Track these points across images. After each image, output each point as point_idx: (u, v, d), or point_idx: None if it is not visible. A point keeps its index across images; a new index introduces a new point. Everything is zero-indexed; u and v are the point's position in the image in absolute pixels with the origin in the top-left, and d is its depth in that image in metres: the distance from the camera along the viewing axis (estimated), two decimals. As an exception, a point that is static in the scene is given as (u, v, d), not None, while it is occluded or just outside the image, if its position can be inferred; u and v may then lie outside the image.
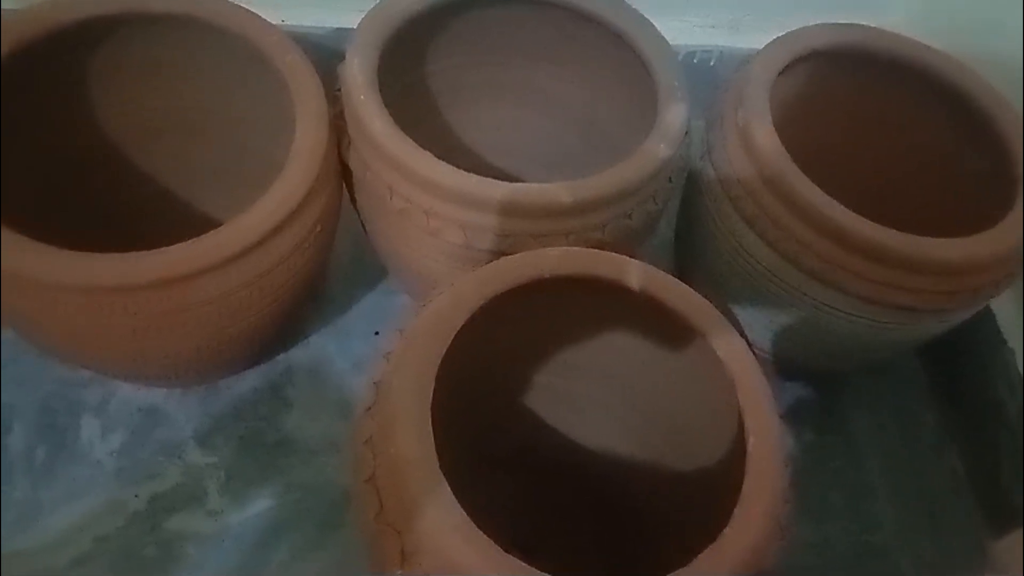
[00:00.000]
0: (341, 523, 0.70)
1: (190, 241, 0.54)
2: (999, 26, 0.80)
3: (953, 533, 0.77)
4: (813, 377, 0.83)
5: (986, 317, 0.79)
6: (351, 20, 0.69)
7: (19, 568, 0.65)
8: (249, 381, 0.77)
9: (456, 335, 0.52)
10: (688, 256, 0.77)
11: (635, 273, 0.55)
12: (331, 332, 0.81)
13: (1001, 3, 0.80)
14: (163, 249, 0.54)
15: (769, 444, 0.50)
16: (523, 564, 0.44)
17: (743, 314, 0.70)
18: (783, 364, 0.76)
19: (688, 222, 0.75)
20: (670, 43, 0.81)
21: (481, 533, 0.44)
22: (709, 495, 0.57)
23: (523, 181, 0.67)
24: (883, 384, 0.85)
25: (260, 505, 0.71)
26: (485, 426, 0.65)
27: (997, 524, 0.77)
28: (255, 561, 0.68)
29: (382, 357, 0.53)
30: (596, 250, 0.57)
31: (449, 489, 0.45)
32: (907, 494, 0.79)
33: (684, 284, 0.56)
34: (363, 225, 0.72)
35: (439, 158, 0.60)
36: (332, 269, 0.82)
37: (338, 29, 0.86)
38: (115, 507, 0.69)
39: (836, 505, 0.78)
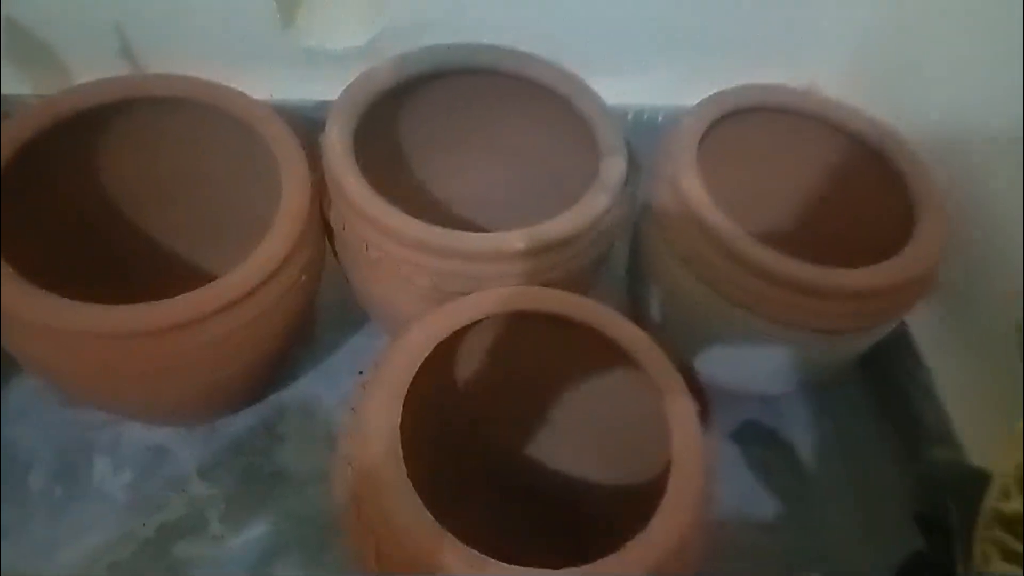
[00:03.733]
0: (331, 545, 0.77)
1: (192, 292, 0.63)
2: (915, 75, 0.90)
3: (888, 536, 0.84)
4: (757, 400, 0.90)
5: (905, 339, 0.87)
6: (334, 93, 0.78)
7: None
8: (246, 419, 0.85)
9: (423, 364, 0.60)
10: (637, 291, 0.86)
11: (576, 306, 0.64)
12: (319, 373, 0.90)
13: (910, 55, 0.90)
14: (169, 300, 0.62)
15: (691, 450, 0.58)
16: (480, 555, 0.51)
17: (685, 342, 0.78)
18: (729, 387, 0.84)
19: (635, 261, 0.84)
20: (621, 102, 0.91)
21: (444, 530, 0.52)
22: (651, 501, 0.65)
23: (492, 227, 0.75)
24: (825, 403, 0.93)
25: (257, 531, 0.78)
26: (452, 452, 0.73)
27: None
28: (254, 580, 0.75)
29: (359, 386, 0.62)
30: (545, 288, 0.65)
31: (416, 495, 0.53)
32: (846, 501, 0.86)
33: (619, 315, 0.64)
34: (344, 275, 0.81)
35: (416, 211, 0.69)
36: (319, 315, 0.91)
37: (322, 101, 0.95)
38: (126, 537, 0.77)
39: (783, 513, 0.85)
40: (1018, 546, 0.38)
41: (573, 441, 0.75)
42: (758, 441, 0.90)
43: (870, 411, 0.94)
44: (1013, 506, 0.38)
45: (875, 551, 0.83)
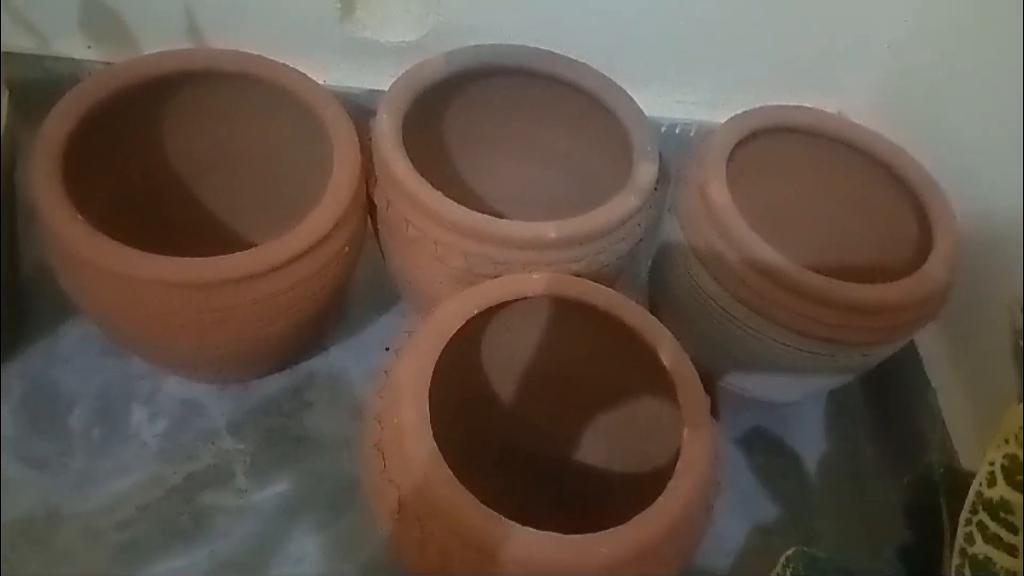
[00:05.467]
0: (349, 506, 0.81)
1: (244, 252, 0.67)
2: (940, 107, 0.94)
3: (883, 548, 0.86)
4: (766, 408, 0.94)
5: (914, 359, 0.90)
6: (382, 83, 0.83)
7: (73, 527, 0.77)
8: (276, 383, 0.89)
9: (452, 338, 0.64)
10: (659, 293, 0.89)
11: (601, 295, 0.68)
12: (349, 346, 0.94)
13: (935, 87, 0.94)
14: (223, 257, 0.67)
15: (700, 436, 0.62)
16: (496, 513, 0.55)
17: (701, 342, 0.82)
18: (739, 392, 0.88)
19: (658, 263, 0.88)
20: (656, 115, 0.95)
21: (461, 485, 0.56)
22: (656, 486, 0.68)
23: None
24: (828, 416, 0.97)
25: (280, 487, 0.82)
26: (470, 425, 0.76)
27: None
28: (273, 533, 0.79)
29: (391, 352, 0.66)
30: (570, 276, 0.69)
31: (438, 449, 0.57)
32: (844, 512, 0.90)
33: (641, 307, 0.68)
34: (382, 252, 0.85)
35: (451, 200, 0.73)
36: (353, 294, 0.95)
37: (371, 90, 1.00)
38: (156, 481, 0.81)
39: (782, 519, 0.88)
40: (999, 530, 0.42)
41: (586, 425, 0.78)
42: (763, 448, 0.93)
43: (874, 426, 0.97)
44: (998, 492, 0.41)
45: (867, 560, 0.86)
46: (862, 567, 0.84)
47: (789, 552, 0.50)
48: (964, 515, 0.43)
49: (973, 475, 0.52)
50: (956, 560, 0.43)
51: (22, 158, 0.72)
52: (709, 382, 0.77)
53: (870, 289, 0.72)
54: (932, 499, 0.55)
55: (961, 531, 0.42)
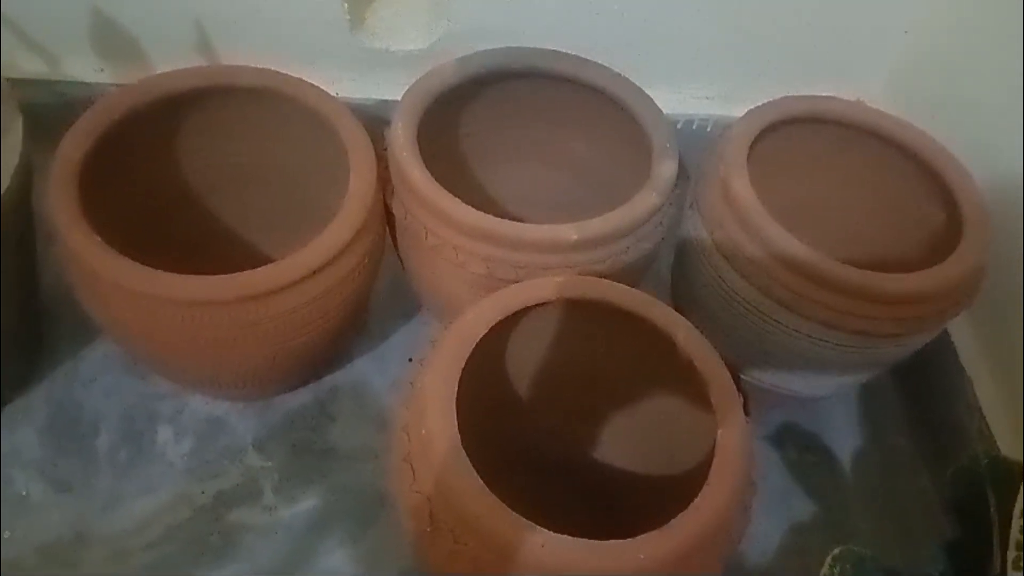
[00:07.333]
0: (377, 519, 0.81)
1: (263, 268, 0.67)
2: (959, 90, 0.92)
3: (920, 543, 0.85)
4: (797, 403, 0.92)
5: (948, 349, 0.88)
6: (394, 93, 0.83)
7: (101, 548, 0.77)
8: (300, 398, 0.89)
9: (477, 345, 0.63)
10: (682, 291, 0.88)
11: (626, 296, 0.67)
12: (371, 358, 0.93)
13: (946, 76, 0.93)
14: (242, 273, 0.66)
15: (735, 435, 0.60)
16: (528, 521, 0.54)
17: (728, 339, 0.80)
18: (769, 387, 0.86)
19: (681, 261, 0.87)
20: (671, 112, 0.94)
21: (493, 495, 0.55)
22: (690, 487, 0.67)
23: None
24: (860, 409, 0.95)
25: (308, 503, 0.82)
26: (498, 431, 0.75)
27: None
28: (303, 550, 0.79)
29: (415, 362, 0.65)
30: (594, 278, 0.68)
31: (468, 459, 0.56)
32: (880, 507, 0.88)
33: (667, 306, 0.67)
34: (401, 262, 0.85)
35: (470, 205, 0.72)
36: (374, 304, 0.94)
37: (383, 100, 1.00)
38: (184, 501, 0.81)
39: (818, 516, 0.87)
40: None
41: (612, 426, 0.77)
42: (796, 444, 0.92)
43: (908, 419, 0.95)
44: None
45: (904, 556, 0.84)
46: (905, 564, 0.82)
47: (836, 551, 0.49)
48: (1018, 507, 0.41)
49: (1021, 465, 0.51)
50: (1012, 553, 0.41)
51: (39, 182, 0.72)
52: (737, 379, 0.76)
53: (905, 279, 0.70)
54: (978, 491, 0.53)
55: (1016, 523, 0.41)
